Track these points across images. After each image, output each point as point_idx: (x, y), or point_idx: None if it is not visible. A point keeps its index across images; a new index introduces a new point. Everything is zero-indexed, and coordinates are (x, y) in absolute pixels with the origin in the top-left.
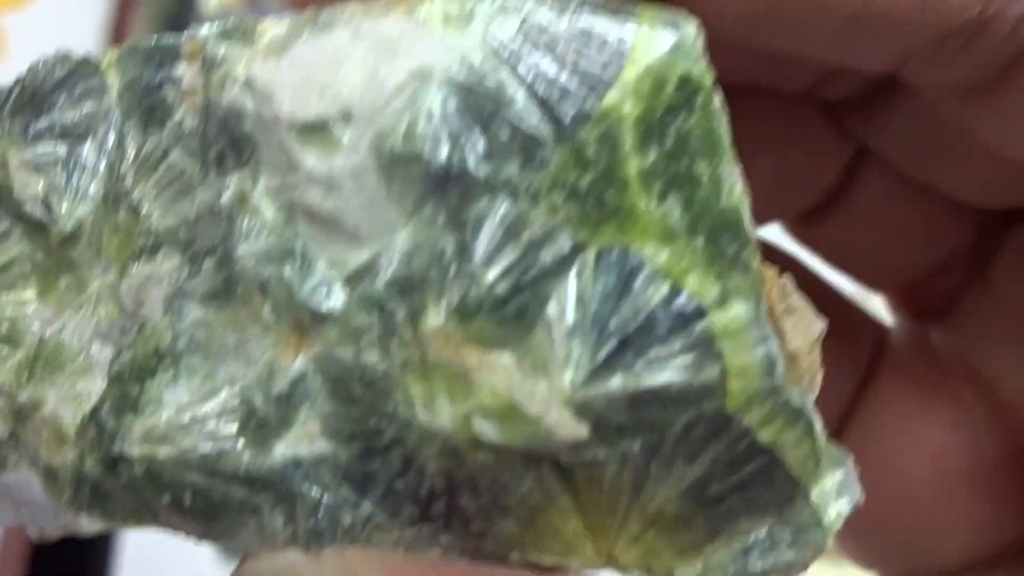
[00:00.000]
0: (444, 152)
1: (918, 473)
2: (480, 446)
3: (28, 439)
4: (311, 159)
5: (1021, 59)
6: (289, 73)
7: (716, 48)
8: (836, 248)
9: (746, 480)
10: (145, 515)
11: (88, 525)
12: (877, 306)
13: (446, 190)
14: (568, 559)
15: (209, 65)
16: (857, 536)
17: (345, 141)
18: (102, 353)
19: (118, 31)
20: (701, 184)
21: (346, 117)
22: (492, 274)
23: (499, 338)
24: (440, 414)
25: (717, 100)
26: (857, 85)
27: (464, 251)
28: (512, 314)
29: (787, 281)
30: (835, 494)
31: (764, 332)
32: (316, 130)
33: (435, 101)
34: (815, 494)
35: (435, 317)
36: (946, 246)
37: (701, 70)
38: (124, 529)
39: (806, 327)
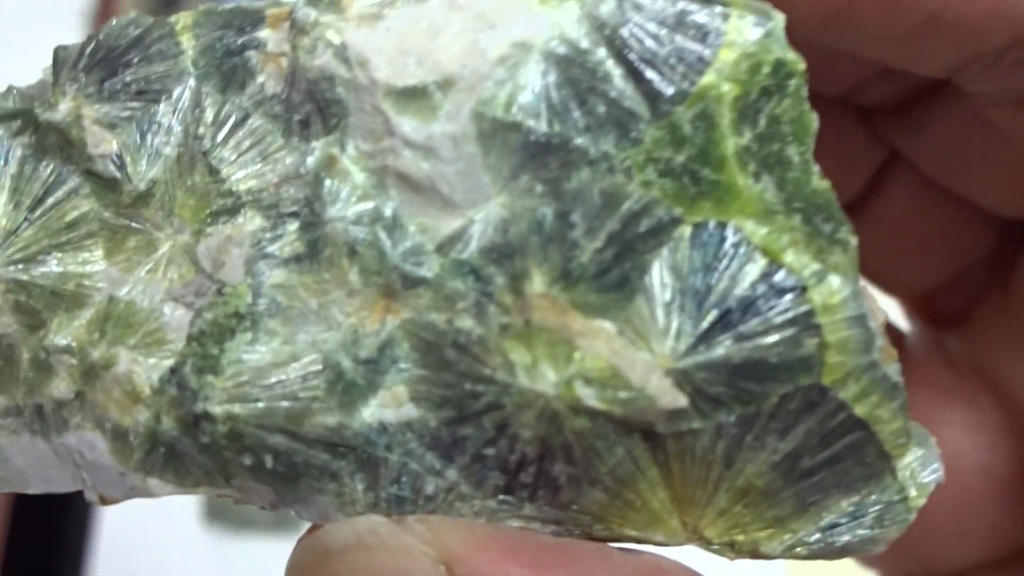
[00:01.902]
0: (545, 123)
1: None
2: (579, 411)
3: (96, 399)
4: (408, 124)
5: None
6: (385, 40)
7: None
8: (860, 252)
9: (838, 454)
10: (219, 479)
11: (158, 488)
12: (892, 310)
13: (545, 160)
14: (652, 532)
15: (298, 30)
16: None
17: (445, 108)
18: (175, 314)
19: (103, 15)
20: (792, 166)
21: (446, 84)
22: (594, 244)
23: (601, 306)
24: (543, 378)
25: (806, 87)
26: (895, 91)
27: (565, 220)
28: (613, 283)
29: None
30: (919, 471)
31: (862, 308)
32: (415, 96)
33: (535, 73)
34: (901, 471)
35: (540, 282)
36: (967, 254)
37: (794, 57)
38: (194, 494)
39: (875, 312)
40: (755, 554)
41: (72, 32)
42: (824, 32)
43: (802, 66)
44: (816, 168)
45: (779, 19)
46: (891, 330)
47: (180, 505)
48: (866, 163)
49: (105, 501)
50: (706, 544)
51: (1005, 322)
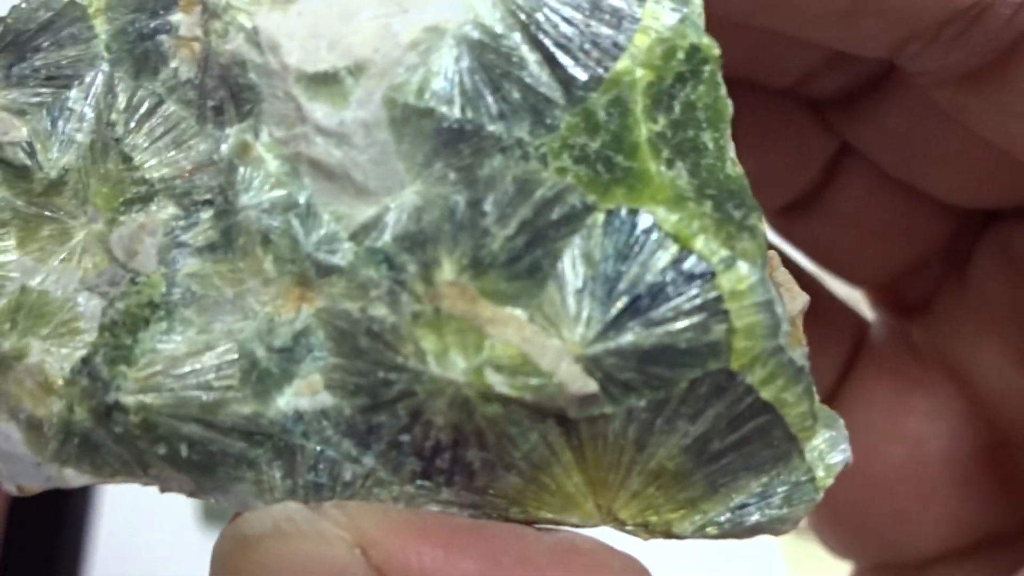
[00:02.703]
0: (457, 109)
1: (895, 463)
2: (490, 399)
3: (9, 390)
4: (320, 111)
5: (1020, 45)
6: (297, 24)
7: (711, 31)
8: (817, 243)
9: (746, 437)
10: (136, 469)
11: (75, 479)
12: (859, 301)
13: (458, 147)
14: (567, 515)
15: (210, 14)
16: (834, 525)
17: (356, 94)
18: (88, 304)
19: None
20: (707, 152)
21: (358, 70)
22: (505, 231)
23: (512, 293)
24: (453, 366)
25: (720, 72)
26: (844, 82)
27: (477, 208)
28: (524, 270)
29: (775, 254)
30: (827, 452)
31: (769, 295)
32: (326, 82)
33: (448, 58)
34: (809, 452)
35: (450, 271)
36: (925, 244)
37: (709, 42)
38: (111, 483)
39: (791, 299)
40: (668, 534)
41: None
42: (760, 10)
43: (717, 51)
44: (731, 155)
45: (696, 3)
46: (856, 319)
47: (177, 506)
48: (818, 155)
49: (23, 491)
50: (620, 525)
51: (964, 311)
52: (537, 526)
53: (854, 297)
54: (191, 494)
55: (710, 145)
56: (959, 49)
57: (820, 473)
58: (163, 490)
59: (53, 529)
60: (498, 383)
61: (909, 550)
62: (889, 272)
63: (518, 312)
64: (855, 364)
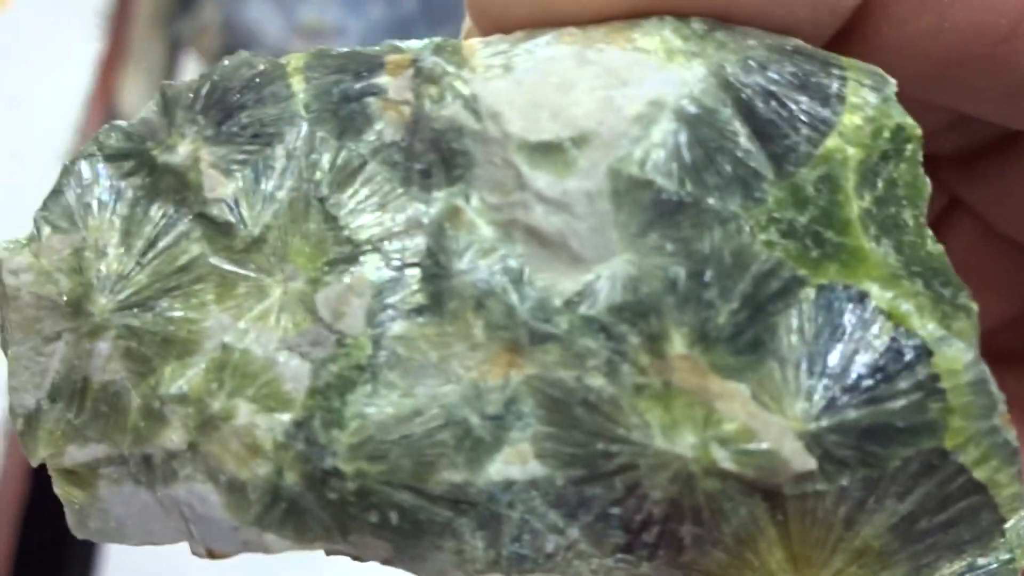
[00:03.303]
0: (676, 182)
1: None
2: (712, 473)
3: (211, 451)
4: (542, 180)
5: None
6: (516, 93)
7: None
8: None
9: (954, 518)
10: (336, 535)
11: (275, 544)
12: None
13: (676, 219)
14: None
15: (424, 78)
16: None
17: (580, 164)
18: (289, 364)
19: (120, 15)
20: (908, 230)
21: (582, 141)
22: (729, 305)
23: (737, 368)
24: (681, 440)
25: (921, 152)
26: (963, 142)
27: (698, 280)
28: (747, 345)
29: None
30: (1023, 532)
31: (984, 374)
32: (549, 151)
33: (668, 132)
34: (1008, 532)
35: (680, 344)
36: None
37: (912, 122)
38: (311, 549)
39: None
40: None
41: (87, 31)
42: (928, 91)
43: (919, 131)
44: (929, 232)
45: (892, 83)
46: None
47: None
48: (930, 207)
49: (214, 555)
50: None
51: None
52: None
53: None
54: (385, 561)
55: (911, 223)
56: None
57: (1017, 553)
58: (356, 557)
59: (65, 534)
60: (723, 458)
61: None
62: (987, 325)
63: (743, 387)
64: None
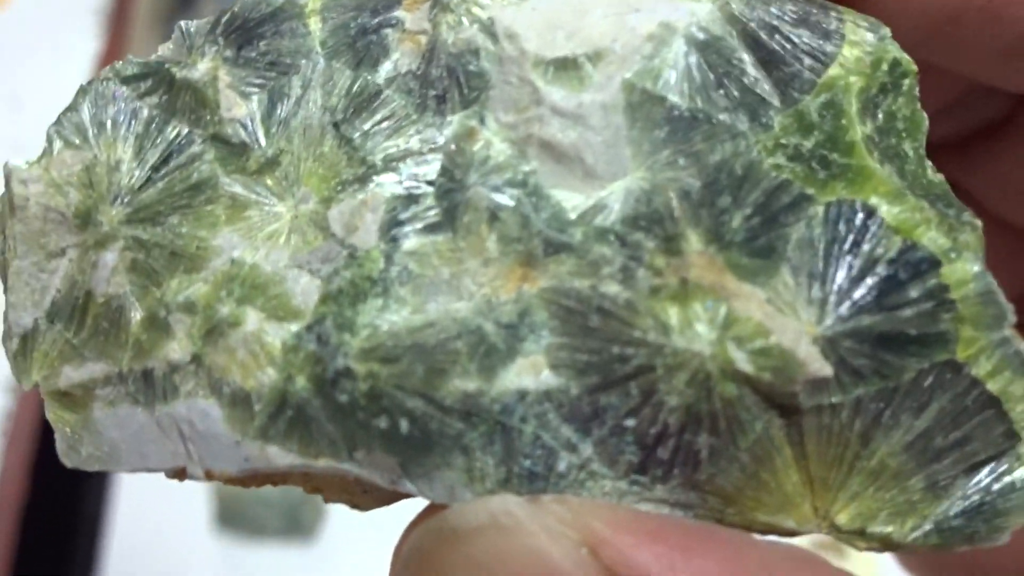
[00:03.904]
0: (687, 99)
1: None
2: (729, 376)
3: (216, 361)
4: (558, 93)
5: None
6: (533, 17)
7: None
8: None
9: (968, 434)
10: (342, 451)
11: (278, 457)
12: None
13: (689, 135)
14: (784, 517)
15: (441, 7)
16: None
17: (595, 79)
18: (300, 280)
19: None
20: (908, 159)
21: (597, 57)
22: (742, 211)
23: (752, 269)
24: (698, 337)
25: (918, 87)
26: (959, 127)
27: (713, 189)
28: (761, 249)
29: None
30: None
31: (992, 285)
32: (565, 67)
33: (679, 53)
34: (1022, 453)
35: (697, 242)
36: None
37: (908, 58)
38: (313, 467)
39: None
40: (885, 543)
41: (86, 30)
42: (924, 48)
43: (915, 67)
44: (929, 163)
45: (887, 29)
46: None
47: (190, 511)
48: None
49: (211, 476)
50: (836, 531)
51: None
52: (759, 529)
53: None
54: (391, 482)
55: (911, 153)
56: None
57: None
58: (356, 488)
59: (66, 533)
60: (740, 359)
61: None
62: None
63: (759, 291)
64: None
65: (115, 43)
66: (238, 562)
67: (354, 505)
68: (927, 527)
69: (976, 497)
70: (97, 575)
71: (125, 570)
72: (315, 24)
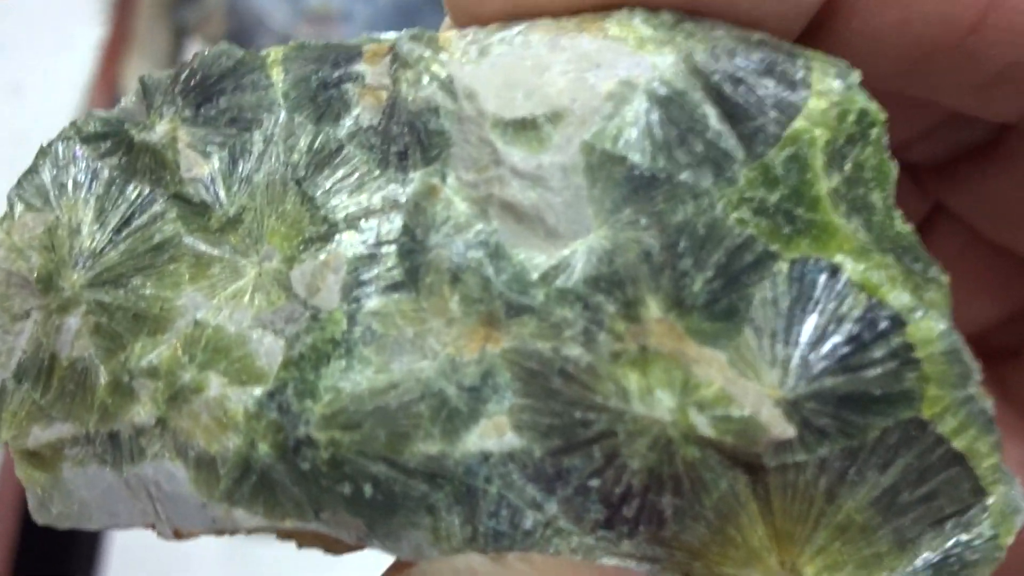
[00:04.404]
0: (649, 158)
1: None
2: (691, 440)
3: (180, 425)
4: (517, 155)
5: None
6: (491, 75)
7: None
8: None
9: (935, 490)
10: (308, 512)
11: (244, 520)
12: None
13: (650, 194)
14: (751, 570)
15: (401, 63)
16: None
17: (555, 140)
18: (263, 340)
19: (120, 7)
20: (876, 210)
21: (556, 118)
22: (704, 274)
23: (713, 334)
24: (659, 404)
25: (887, 136)
26: (944, 148)
27: (672, 251)
28: (722, 313)
29: None
30: (1006, 508)
31: (958, 343)
32: (525, 127)
33: (640, 111)
34: (991, 507)
35: (656, 309)
36: (1016, 300)
37: (876, 107)
38: (279, 529)
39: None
40: None
41: (90, 17)
42: (901, 80)
43: (883, 116)
44: (898, 213)
45: (856, 72)
46: None
47: None
48: (913, 214)
49: (180, 535)
50: None
51: None
52: None
53: None
54: (358, 541)
55: (879, 203)
56: None
57: (1001, 530)
58: (329, 536)
59: (67, 531)
60: (702, 424)
61: None
62: (978, 325)
63: (719, 354)
64: None
65: (119, 31)
66: (239, 562)
67: (328, 550)
68: None
69: (943, 550)
70: (97, 575)
71: (126, 570)
72: (277, 75)
